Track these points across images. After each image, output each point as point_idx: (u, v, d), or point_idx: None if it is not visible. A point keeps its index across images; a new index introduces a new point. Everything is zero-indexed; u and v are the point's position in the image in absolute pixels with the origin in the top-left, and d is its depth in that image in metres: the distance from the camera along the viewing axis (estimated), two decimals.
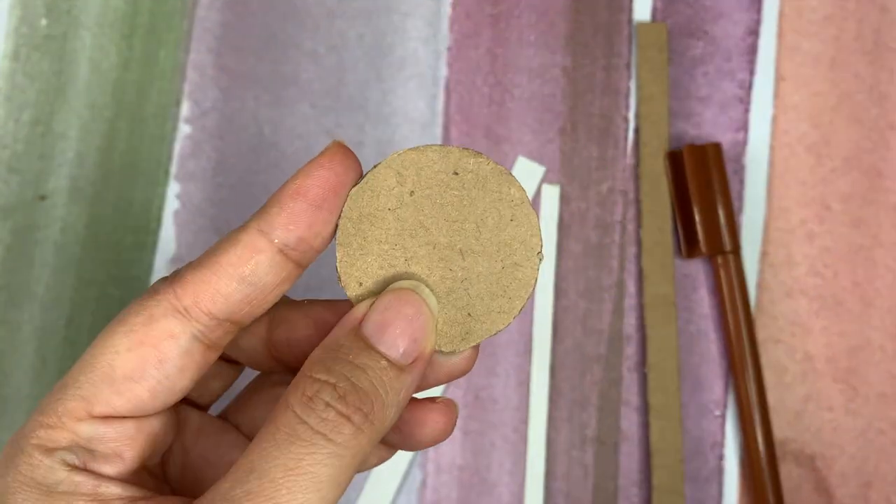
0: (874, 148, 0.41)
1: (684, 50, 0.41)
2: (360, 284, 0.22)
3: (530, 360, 0.39)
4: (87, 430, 0.21)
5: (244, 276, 0.22)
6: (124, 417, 0.22)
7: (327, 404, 0.19)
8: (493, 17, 0.41)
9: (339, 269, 0.22)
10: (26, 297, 0.38)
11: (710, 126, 0.40)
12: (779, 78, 0.41)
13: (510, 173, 0.23)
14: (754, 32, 0.41)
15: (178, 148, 0.39)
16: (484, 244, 0.23)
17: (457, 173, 0.23)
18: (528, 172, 0.40)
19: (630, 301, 0.40)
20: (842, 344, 0.40)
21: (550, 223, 0.39)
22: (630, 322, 0.39)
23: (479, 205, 0.23)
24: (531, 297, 0.25)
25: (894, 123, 0.41)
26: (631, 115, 0.40)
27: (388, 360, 0.20)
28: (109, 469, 0.22)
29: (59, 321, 0.38)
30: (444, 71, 0.40)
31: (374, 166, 0.23)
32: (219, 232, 0.39)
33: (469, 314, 0.23)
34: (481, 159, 0.23)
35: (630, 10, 0.41)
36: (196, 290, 0.21)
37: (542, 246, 0.23)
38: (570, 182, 0.40)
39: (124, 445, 0.22)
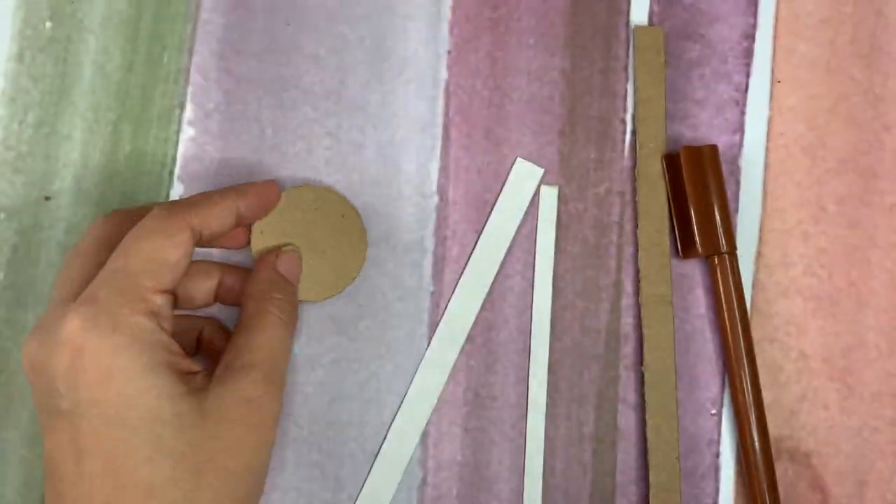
0: (869, 150, 0.41)
1: (681, 53, 0.41)
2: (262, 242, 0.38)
3: (529, 359, 0.39)
4: (159, 299, 0.31)
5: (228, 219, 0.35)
6: (169, 292, 0.32)
7: (285, 309, 0.35)
8: (492, 21, 0.41)
9: (252, 240, 0.38)
10: (31, 297, 0.39)
11: (706, 128, 0.41)
12: (774, 80, 0.41)
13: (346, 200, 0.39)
14: (750, 36, 0.41)
15: (181, 150, 0.40)
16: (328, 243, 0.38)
17: (317, 201, 0.38)
18: (526, 174, 0.40)
19: (627, 300, 0.40)
20: (837, 343, 0.40)
21: (549, 224, 0.39)
22: (627, 321, 0.40)
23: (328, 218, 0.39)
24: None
25: (889, 125, 0.41)
26: (628, 118, 0.41)
27: (288, 281, 0.36)
28: (168, 328, 0.32)
29: None
30: (444, 73, 0.40)
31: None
32: None
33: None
34: (332, 193, 0.39)
35: (628, 13, 0.41)
36: (202, 220, 0.34)
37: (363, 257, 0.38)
38: (569, 183, 0.40)
39: (171, 310, 0.33)
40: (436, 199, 0.40)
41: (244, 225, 0.37)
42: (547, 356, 0.39)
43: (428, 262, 0.40)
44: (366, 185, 0.40)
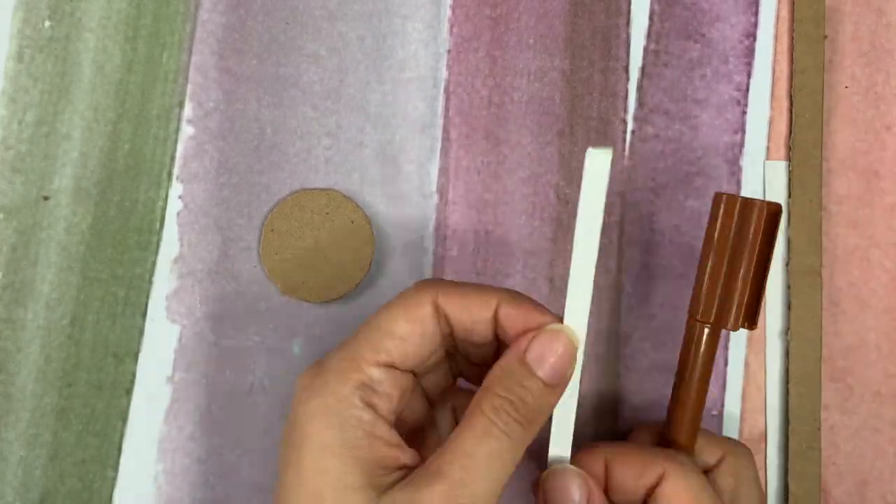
0: (870, 149, 0.41)
1: (681, 52, 0.41)
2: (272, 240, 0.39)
3: None
4: (375, 372, 0.29)
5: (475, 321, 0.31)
6: (395, 367, 0.30)
7: (507, 413, 0.28)
8: (492, 21, 0.41)
9: (262, 238, 0.39)
10: (31, 296, 0.39)
11: (706, 128, 0.41)
12: (775, 80, 0.41)
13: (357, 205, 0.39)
14: (751, 35, 0.41)
15: (181, 149, 0.40)
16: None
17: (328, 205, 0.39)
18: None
19: (627, 301, 0.40)
20: (838, 343, 0.40)
21: (600, 191, 0.30)
22: (627, 322, 0.40)
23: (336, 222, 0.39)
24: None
25: (890, 125, 0.41)
26: (629, 118, 0.41)
27: (543, 382, 0.29)
28: (382, 408, 0.29)
29: (64, 320, 0.39)
30: (443, 73, 0.40)
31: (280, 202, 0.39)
32: (221, 232, 0.39)
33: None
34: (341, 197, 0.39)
35: (628, 13, 0.41)
36: (448, 305, 0.30)
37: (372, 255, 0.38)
38: (569, 184, 0.40)
39: (393, 389, 0.30)
40: (436, 199, 0.40)
41: (504, 337, 0.31)
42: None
43: (428, 262, 0.40)
44: (366, 185, 0.40)
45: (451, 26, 0.41)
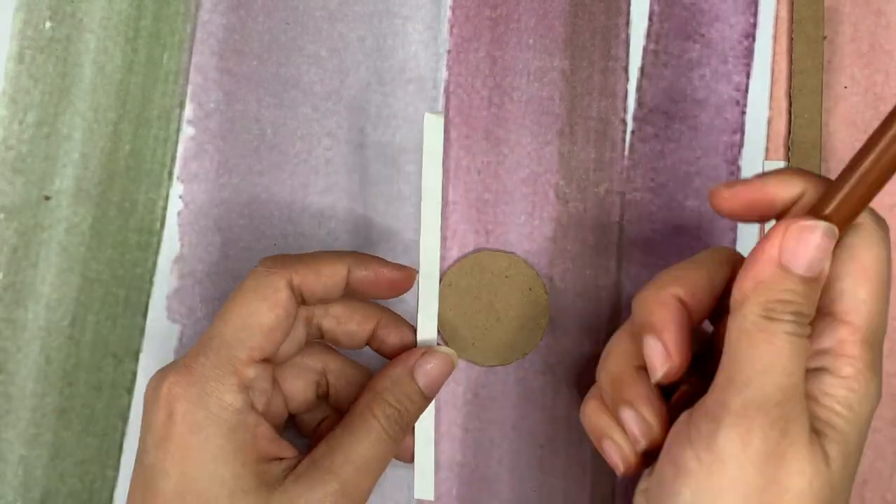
0: None
1: (681, 53, 0.41)
2: (448, 296, 0.39)
3: (528, 357, 0.39)
4: (252, 372, 0.30)
5: (330, 283, 0.32)
6: (269, 361, 0.31)
7: (396, 421, 0.32)
8: (492, 21, 0.41)
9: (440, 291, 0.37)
10: (31, 297, 0.39)
11: (706, 128, 0.41)
12: (774, 80, 0.41)
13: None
14: (750, 35, 0.41)
15: (181, 149, 0.40)
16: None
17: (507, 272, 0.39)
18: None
19: (627, 300, 0.40)
20: None
21: (435, 156, 0.36)
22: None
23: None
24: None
25: None
26: (629, 118, 0.41)
27: (423, 394, 0.33)
28: (260, 404, 0.31)
29: (64, 320, 0.39)
30: (443, 74, 0.41)
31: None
32: (221, 232, 0.39)
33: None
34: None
35: (628, 13, 0.41)
36: (303, 281, 0.31)
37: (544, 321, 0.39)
38: (569, 184, 0.40)
39: (266, 382, 0.31)
40: None
41: (360, 298, 0.34)
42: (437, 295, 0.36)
43: None
44: (366, 185, 0.40)
45: (451, 27, 0.41)
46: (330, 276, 0.32)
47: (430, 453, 0.36)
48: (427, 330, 0.35)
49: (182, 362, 0.30)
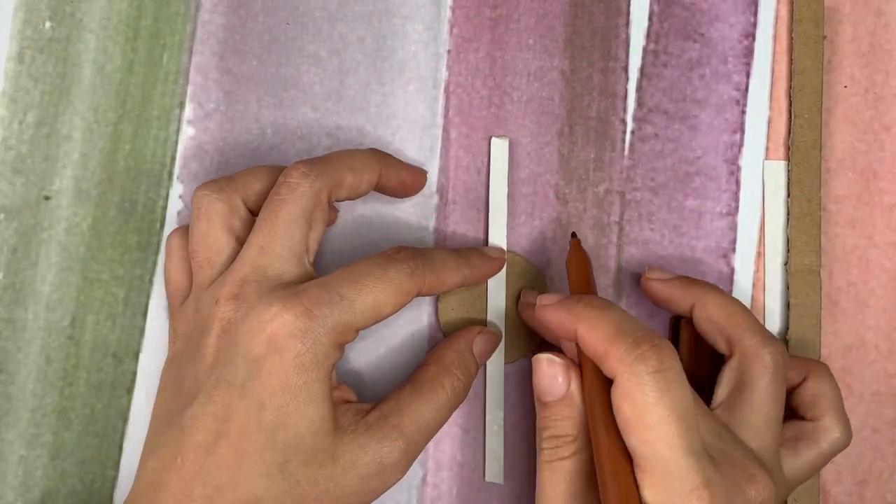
0: (869, 150, 0.41)
1: (681, 52, 0.41)
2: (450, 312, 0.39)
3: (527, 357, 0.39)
4: (353, 337, 0.32)
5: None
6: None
7: (459, 391, 0.35)
8: (492, 21, 0.41)
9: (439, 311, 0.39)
10: (31, 297, 0.39)
11: (706, 128, 0.41)
12: (774, 80, 0.41)
13: None
14: (750, 35, 0.41)
15: (181, 149, 0.40)
16: None
17: None
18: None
19: (627, 300, 0.40)
20: (837, 343, 0.40)
21: (501, 177, 0.40)
22: None
23: None
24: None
25: (889, 125, 0.41)
26: (629, 117, 0.41)
27: (476, 363, 0.36)
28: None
29: (64, 321, 0.39)
30: (443, 74, 0.41)
31: None
32: None
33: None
34: None
35: (628, 13, 0.41)
36: (432, 287, 0.34)
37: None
38: (568, 183, 0.40)
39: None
40: (436, 199, 0.40)
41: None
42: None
43: None
44: None
45: (451, 27, 0.41)
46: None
47: (500, 440, 0.38)
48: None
49: (301, 304, 0.31)
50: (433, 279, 0.34)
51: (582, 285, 0.35)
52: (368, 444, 0.32)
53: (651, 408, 0.28)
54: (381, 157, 0.37)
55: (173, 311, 0.36)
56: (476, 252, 0.37)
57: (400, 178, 0.37)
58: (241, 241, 0.34)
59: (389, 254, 0.33)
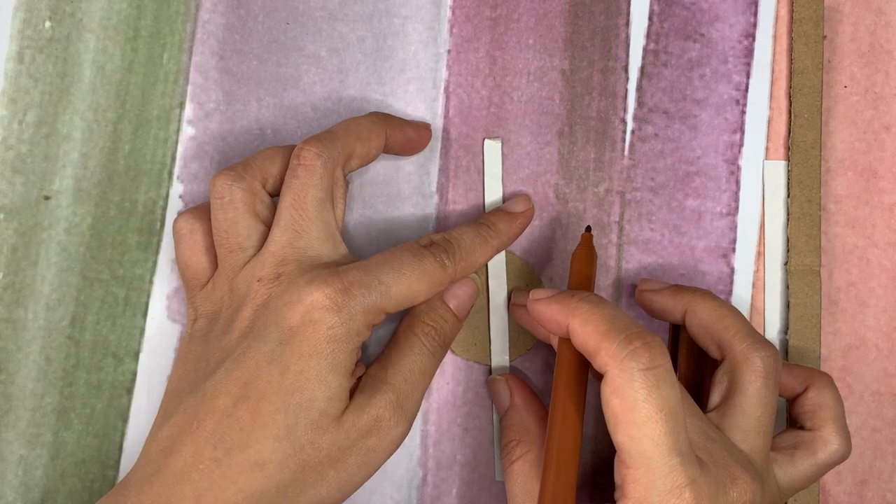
0: (869, 149, 0.41)
1: (681, 52, 0.41)
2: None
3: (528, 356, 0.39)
4: (383, 318, 0.33)
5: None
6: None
7: (432, 337, 0.35)
8: (492, 21, 0.41)
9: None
10: (31, 297, 0.39)
11: (706, 128, 0.41)
12: (774, 80, 0.41)
13: None
14: (750, 35, 0.41)
15: (181, 149, 0.40)
16: None
17: None
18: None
19: (627, 300, 0.40)
20: (837, 343, 0.40)
21: (495, 178, 0.40)
22: None
23: None
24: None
25: (889, 125, 0.41)
26: (629, 117, 0.41)
27: (454, 314, 0.36)
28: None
29: (64, 320, 0.39)
30: (443, 73, 0.41)
31: None
32: None
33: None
34: None
35: (628, 13, 0.41)
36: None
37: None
38: (568, 183, 0.40)
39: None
40: (436, 199, 0.40)
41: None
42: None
43: None
44: (366, 185, 0.40)
45: (451, 27, 0.41)
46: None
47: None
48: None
49: (341, 283, 0.32)
50: (464, 266, 0.35)
51: (582, 281, 0.35)
52: (363, 403, 0.33)
53: (640, 404, 0.28)
54: (384, 119, 0.37)
55: (193, 293, 0.36)
56: (502, 216, 0.38)
57: (406, 136, 0.38)
58: (266, 224, 0.35)
59: (425, 243, 0.35)
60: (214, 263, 0.36)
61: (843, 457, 0.35)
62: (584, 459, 0.39)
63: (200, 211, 0.37)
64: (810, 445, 0.35)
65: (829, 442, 0.35)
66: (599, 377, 0.30)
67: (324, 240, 0.34)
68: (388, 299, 0.33)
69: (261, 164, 0.35)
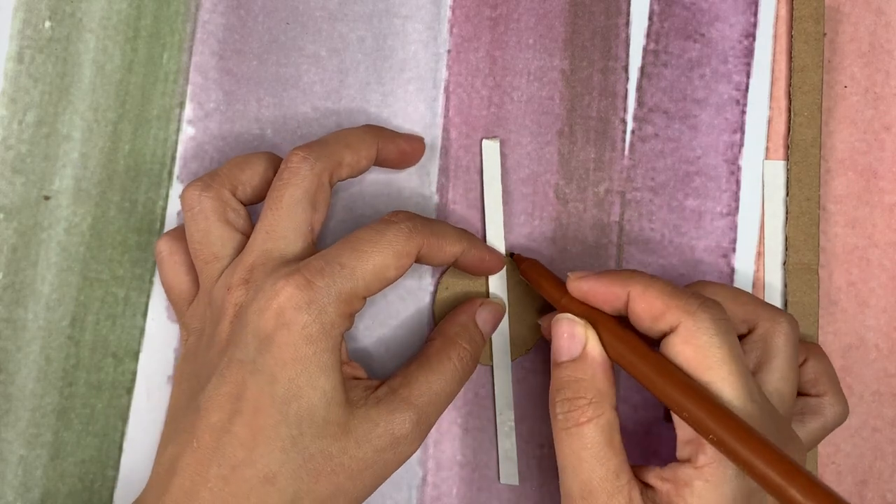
0: (869, 149, 0.41)
1: (681, 52, 0.41)
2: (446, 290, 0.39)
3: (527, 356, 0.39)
4: (360, 306, 0.33)
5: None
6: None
7: (467, 362, 0.35)
8: (492, 21, 0.41)
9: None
10: (31, 297, 0.39)
11: (706, 128, 0.41)
12: (774, 79, 0.41)
13: None
14: (751, 35, 0.41)
15: (181, 149, 0.40)
16: None
17: None
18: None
19: None
20: (837, 343, 0.40)
21: (494, 179, 0.40)
22: None
23: None
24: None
25: (889, 125, 0.41)
26: (629, 117, 0.41)
27: (483, 338, 0.37)
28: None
29: (64, 320, 0.39)
30: (443, 73, 0.41)
31: None
32: None
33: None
34: None
35: (628, 13, 0.41)
36: (431, 250, 0.34)
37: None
38: (568, 183, 0.40)
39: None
40: (436, 199, 0.40)
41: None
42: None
43: None
44: (366, 185, 0.40)
45: (451, 27, 0.41)
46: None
47: (513, 441, 0.39)
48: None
49: (302, 277, 0.31)
50: (433, 241, 0.34)
51: (557, 283, 0.36)
52: (379, 417, 0.32)
53: (714, 350, 0.30)
54: (376, 131, 0.37)
55: (181, 312, 0.36)
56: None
57: (399, 149, 0.38)
58: (240, 231, 0.35)
59: (387, 218, 0.34)
60: (197, 281, 0.36)
61: (845, 417, 0.36)
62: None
63: (179, 232, 0.37)
64: (818, 410, 0.36)
65: (834, 405, 0.36)
66: (651, 343, 0.32)
67: (292, 239, 0.33)
68: (356, 281, 0.32)
69: (228, 172, 0.35)
